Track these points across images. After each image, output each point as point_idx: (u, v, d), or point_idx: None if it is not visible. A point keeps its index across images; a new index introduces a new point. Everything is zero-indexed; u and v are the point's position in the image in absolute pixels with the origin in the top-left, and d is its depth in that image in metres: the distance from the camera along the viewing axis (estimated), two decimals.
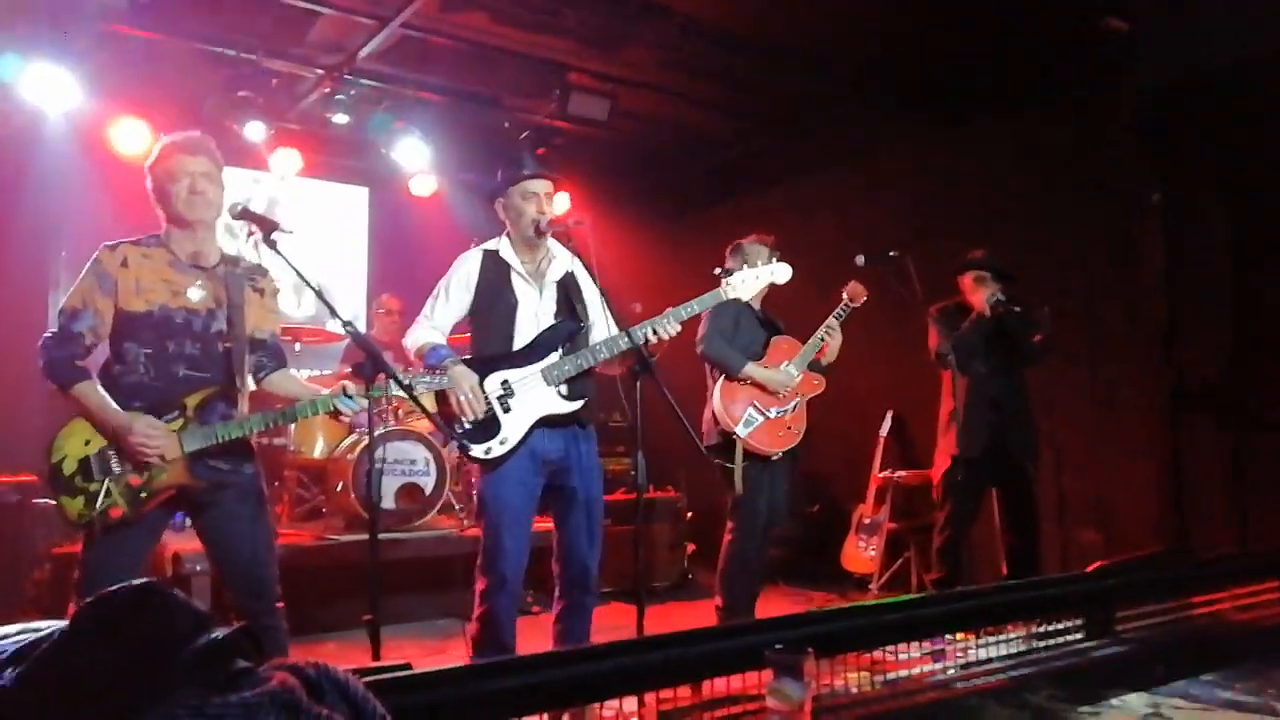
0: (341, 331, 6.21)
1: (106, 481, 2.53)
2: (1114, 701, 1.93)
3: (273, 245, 2.53)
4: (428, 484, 5.46)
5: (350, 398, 2.62)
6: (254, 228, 2.63)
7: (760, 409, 4.04)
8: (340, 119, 5.86)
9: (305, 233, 7.35)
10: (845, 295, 4.11)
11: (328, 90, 5.78)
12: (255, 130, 5.67)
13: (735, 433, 3.97)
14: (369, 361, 2.37)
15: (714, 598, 4.13)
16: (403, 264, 7.01)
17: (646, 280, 7.59)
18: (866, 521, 5.72)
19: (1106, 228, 4.89)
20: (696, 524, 6.25)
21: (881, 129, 6.06)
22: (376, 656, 2.30)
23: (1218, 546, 3.99)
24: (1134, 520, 4.59)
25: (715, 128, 6.97)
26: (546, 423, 3.13)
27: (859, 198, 6.37)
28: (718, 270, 3.22)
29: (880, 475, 5.69)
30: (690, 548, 6.12)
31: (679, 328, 3.11)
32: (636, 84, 6.04)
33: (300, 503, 5.59)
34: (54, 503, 2.55)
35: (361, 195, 7.67)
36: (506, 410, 3.09)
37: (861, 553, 5.69)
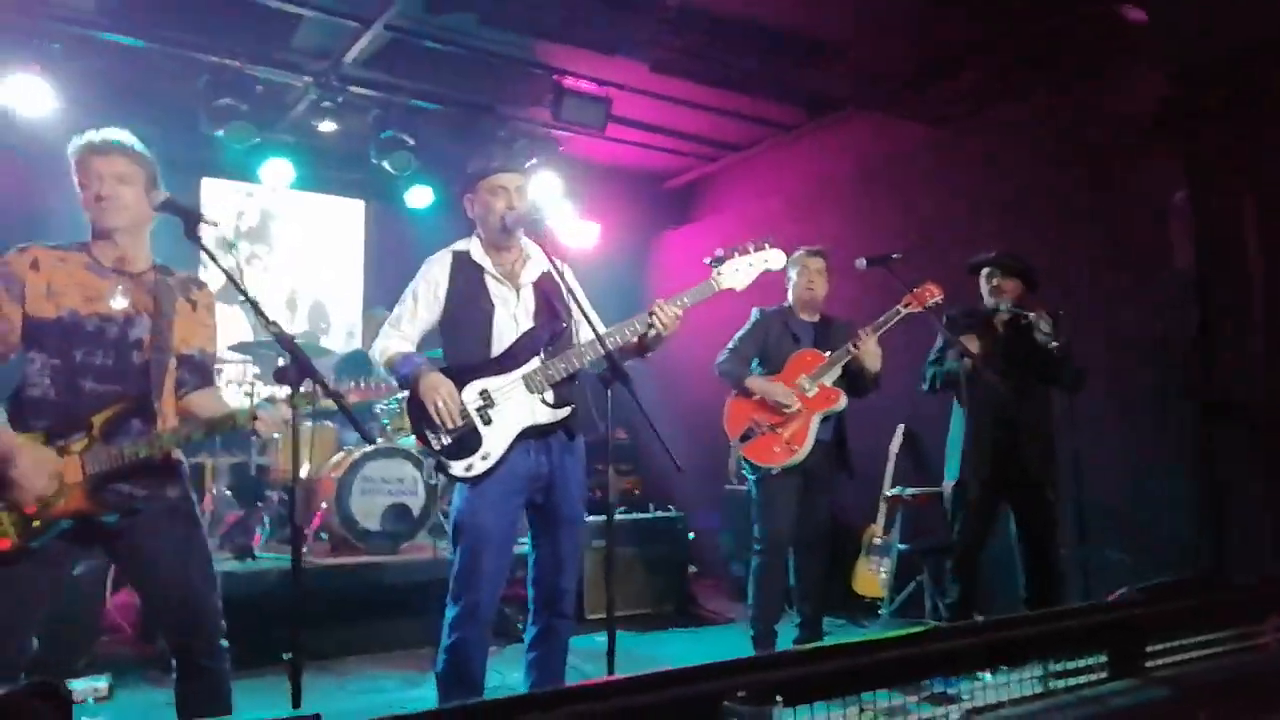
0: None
1: None
2: None
3: (196, 239, 2.28)
4: (415, 504, 5.24)
5: (271, 403, 2.37)
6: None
7: (759, 423, 4.10)
8: (327, 127, 5.68)
9: (301, 247, 7.21)
10: (904, 301, 3.97)
11: (314, 98, 5.60)
12: (241, 139, 5.49)
13: (732, 444, 4.15)
14: (293, 365, 2.12)
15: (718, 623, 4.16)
16: (400, 278, 6.77)
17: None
18: (877, 543, 5.43)
19: (1130, 228, 4.57)
20: (699, 544, 5.97)
21: (885, 127, 5.80)
22: (297, 704, 2.03)
23: (1259, 568, 3.66)
24: (1164, 541, 4.25)
25: (711, 133, 6.80)
26: (531, 434, 2.89)
27: (863, 199, 6.11)
28: (707, 259, 2.97)
29: (890, 494, 5.39)
30: (692, 570, 5.83)
31: (678, 312, 2.85)
32: (633, 89, 5.83)
33: (283, 524, 5.36)
34: None
35: (358, 208, 7.49)
36: (487, 422, 2.85)
37: (873, 575, 5.39)
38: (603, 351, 2.75)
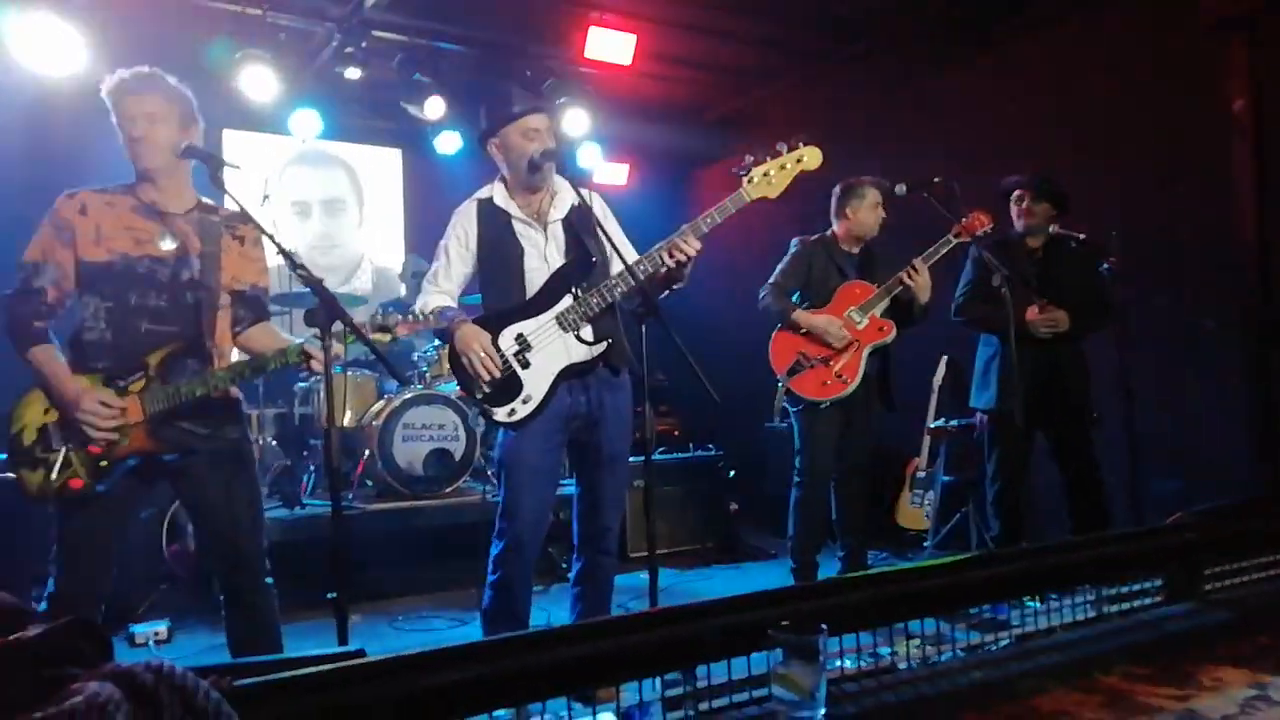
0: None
1: (65, 450, 2.34)
2: (1206, 681, 1.58)
3: (220, 184, 2.27)
4: (457, 449, 5.27)
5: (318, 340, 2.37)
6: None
7: (807, 356, 4.04)
8: (353, 74, 5.60)
9: (338, 199, 7.20)
10: (954, 231, 3.83)
11: (336, 42, 5.52)
12: (268, 90, 5.43)
13: (779, 379, 4.08)
14: (322, 308, 2.11)
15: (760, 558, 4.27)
16: (438, 225, 6.76)
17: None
18: (921, 475, 5.38)
19: (1187, 139, 4.36)
20: (741, 482, 5.96)
21: (933, 47, 5.58)
22: (343, 641, 2.07)
23: None
24: (1219, 466, 4.13)
25: (744, 64, 6.59)
26: (571, 373, 2.89)
27: (907, 126, 5.91)
28: (735, 170, 2.79)
29: (933, 426, 5.32)
30: (734, 507, 5.83)
31: (698, 244, 2.75)
32: (661, 20, 5.66)
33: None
34: (13, 476, 2.36)
35: (395, 157, 7.44)
36: (526, 366, 2.85)
37: (916, 508, 5.35)
38: (633, 282, 2.69)
